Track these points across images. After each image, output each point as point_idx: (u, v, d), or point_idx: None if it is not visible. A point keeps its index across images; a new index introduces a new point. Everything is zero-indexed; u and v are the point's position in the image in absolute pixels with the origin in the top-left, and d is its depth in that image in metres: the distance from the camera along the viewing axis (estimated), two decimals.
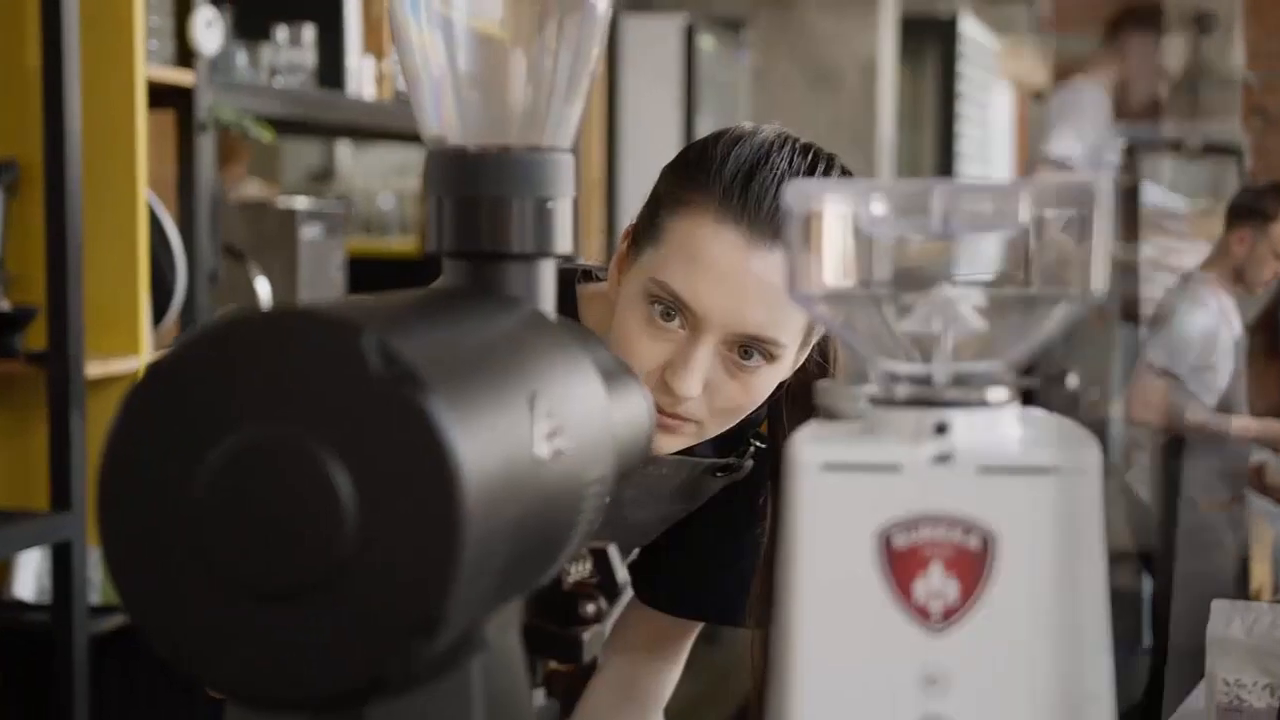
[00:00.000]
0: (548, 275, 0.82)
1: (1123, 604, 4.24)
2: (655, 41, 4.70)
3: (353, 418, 0.61)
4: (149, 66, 2.53)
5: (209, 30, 2.61)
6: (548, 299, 0.82)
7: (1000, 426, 0.70)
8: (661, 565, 1.48)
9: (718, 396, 1.25)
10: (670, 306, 1.24)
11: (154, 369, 0.63)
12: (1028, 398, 0.73)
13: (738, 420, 1.29)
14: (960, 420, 0.69)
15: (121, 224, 2.46)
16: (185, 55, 2.63)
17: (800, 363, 1.33)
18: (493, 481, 0.64)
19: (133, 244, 2.47)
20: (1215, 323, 4.03)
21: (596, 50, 0.84)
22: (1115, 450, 5.31)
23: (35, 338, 2.39)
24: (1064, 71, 10.03)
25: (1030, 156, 4.35)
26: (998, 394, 0.70)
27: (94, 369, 2.40)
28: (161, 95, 2.61)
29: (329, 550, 0.60)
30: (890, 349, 0.72)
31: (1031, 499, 0.67)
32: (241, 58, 2.90)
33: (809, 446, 0.69)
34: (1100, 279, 0.68)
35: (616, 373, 0.87)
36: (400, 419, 0.61)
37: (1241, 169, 9.95)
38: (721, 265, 1.22)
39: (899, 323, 0.71)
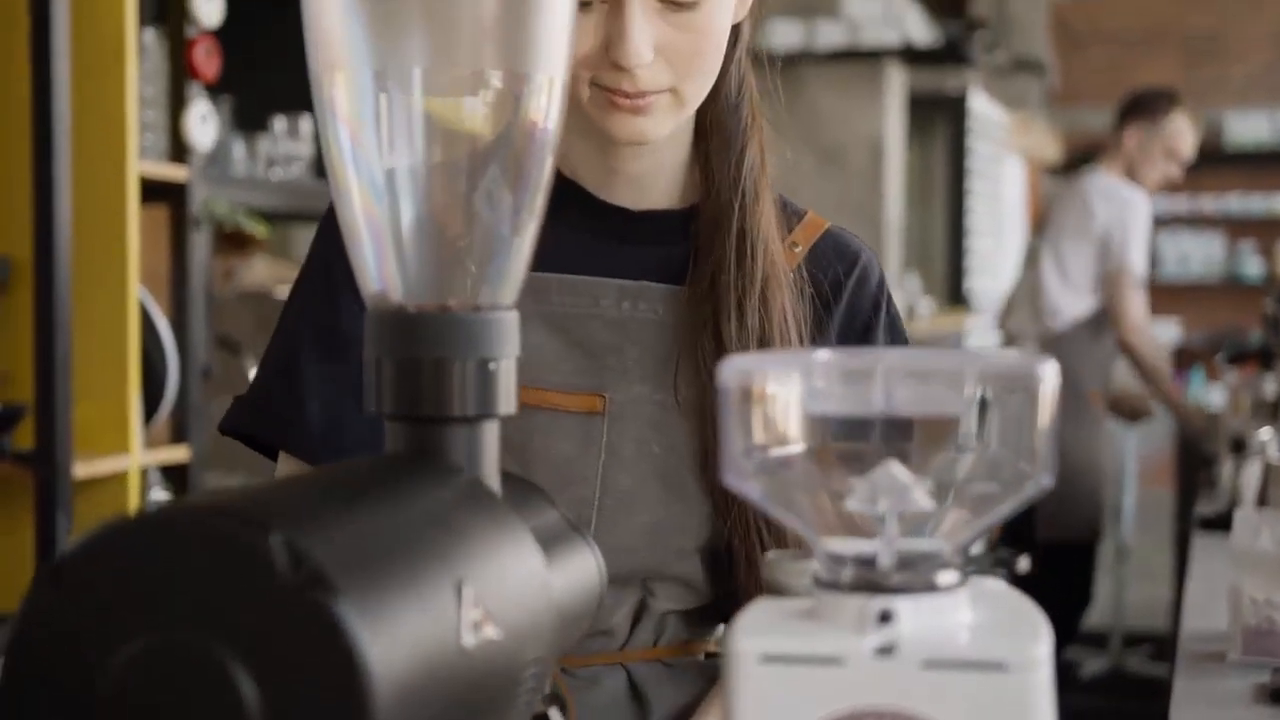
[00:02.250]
0: (491, 437, 0.80)
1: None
2: None
3: (259, 622, 0.58)
4: (142, 162, 2.52)
5: (203, 125, 2.61)
6: (490, 462, 0.80)
7: (948, 613, 0.67)
8: None
9: (674, 54, 1.14)
10: None
11: (55, 569, 0.60)
12: None
13: (713, 74, 1.18)
14: (906, 608, 0.66)
15: (112, 321, 2.45)
16: (180, 150, 2.63)
17: None
18: (411, 681, 0.61)
19: (123, 342, 2.46)
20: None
21: (540, 202, 0.82)
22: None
23: (23, 437, 2.37)
24: (1075, 145, 10.06)
25: (1102, 264, 4.35)
26: (946, 577, 0.67)
27: (82, 469, 2.38)
28: (156, 190, 2.61)
29: None
30: (833, 526, 0.69)
31: (979, 695, 0.64)
32: (239, 149, 2.90)
33: (748, 637, 0.66)
34: (1047, 466, 0.66)
35: (561, 535, 0.84)
36: (308, 624, 0.58)
37: (1044, 84, 9.98)
38: None
39: (842, 501, 0.69)
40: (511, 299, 0.81)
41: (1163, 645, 5.03)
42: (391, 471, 0.76)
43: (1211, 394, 8.85)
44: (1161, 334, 10.19)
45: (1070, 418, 4.19)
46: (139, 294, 2.49)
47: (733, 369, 0.68)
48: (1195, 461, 4.78)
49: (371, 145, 0.78)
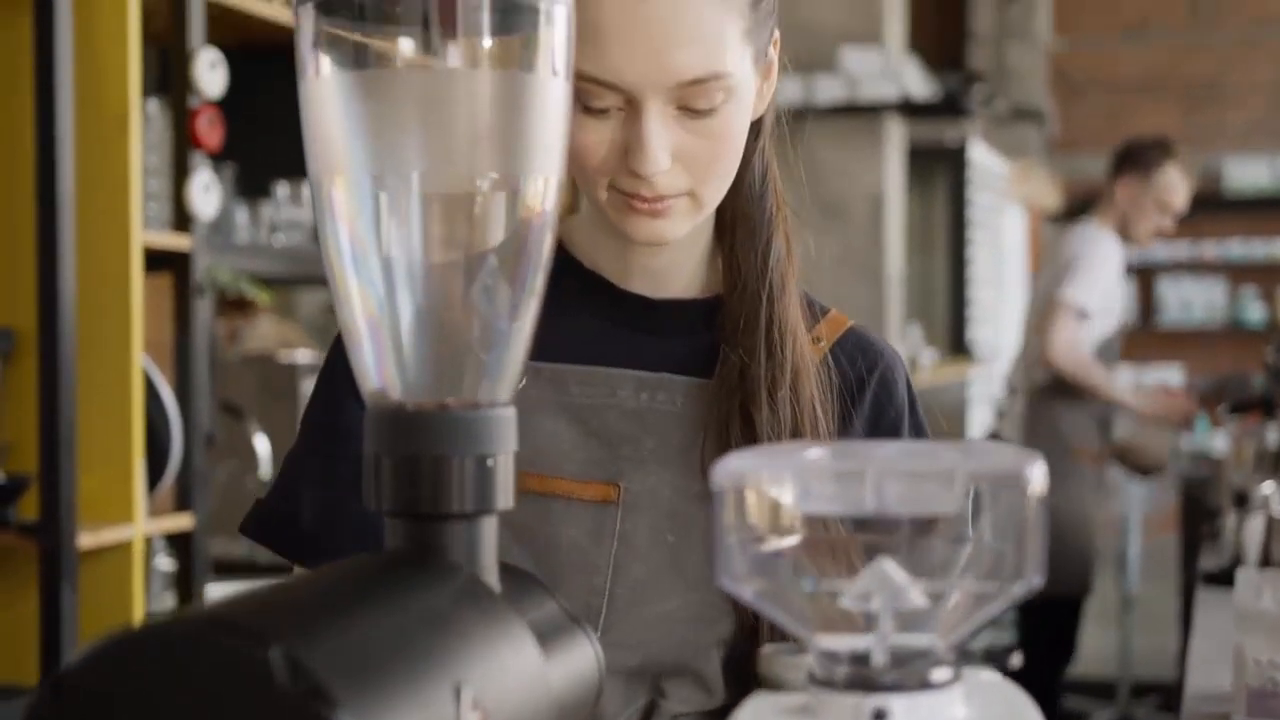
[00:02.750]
0: (489, 533, 0.81)
1: None
2: None
3: None
4: (146, 232, 2.54)
5: (206, 194, 2.63)
6: (489, 556, 0.80)
7: (943, 710, 0.67)
8: None
9: (691, 159, 1.12)
10: (592, 94, 1.10)
11: (56, 681, 0.61)
12: None
13: (731, 175, 1.16)
14: (900, 706, 0.67)
15: (116, 391, 2.46)
16: (183, 219, 2.65)
17: (768, 90, 1.21)
18: None
19: (127, 411, 2.47)
20: (1116, 267, 4.24)
21: (536, 299, 0.83)
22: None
23: (28, 507, 2.38)
24: (1075, 192, 10.11)
25: (1039, 294, 4.37)
26: (940, 674, 0.68)
27: (86, 539, 2.39)
28: (159, 259, 2.63)
29: None
30: (827, 623, 0.70)
31: None
32: (242, 215, 2.92)
33: None
34: (1036, 568, 0.66)
35: (559, 627, 0.85)
36: None
37: (1044, 132, 9.97)
38: (617, 24, 1.08)
39: (837, 598, 0.69)
40: (508, 395, 0.82)
41: (1170, 695, 5.02)
42: (390, 571, 0.76)
43: (1215, 440, 8.84)
44: (1164, 379, 10.21)
45: (1057, 473, 4.16)
46: (143, 363, 2.51)
47: (726, 470, 0.69)
48: (1199, 510, 4.77)
49: (370, 246, 0.80)
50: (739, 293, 1.21)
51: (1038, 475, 0.67)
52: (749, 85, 1.15)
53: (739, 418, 1.17)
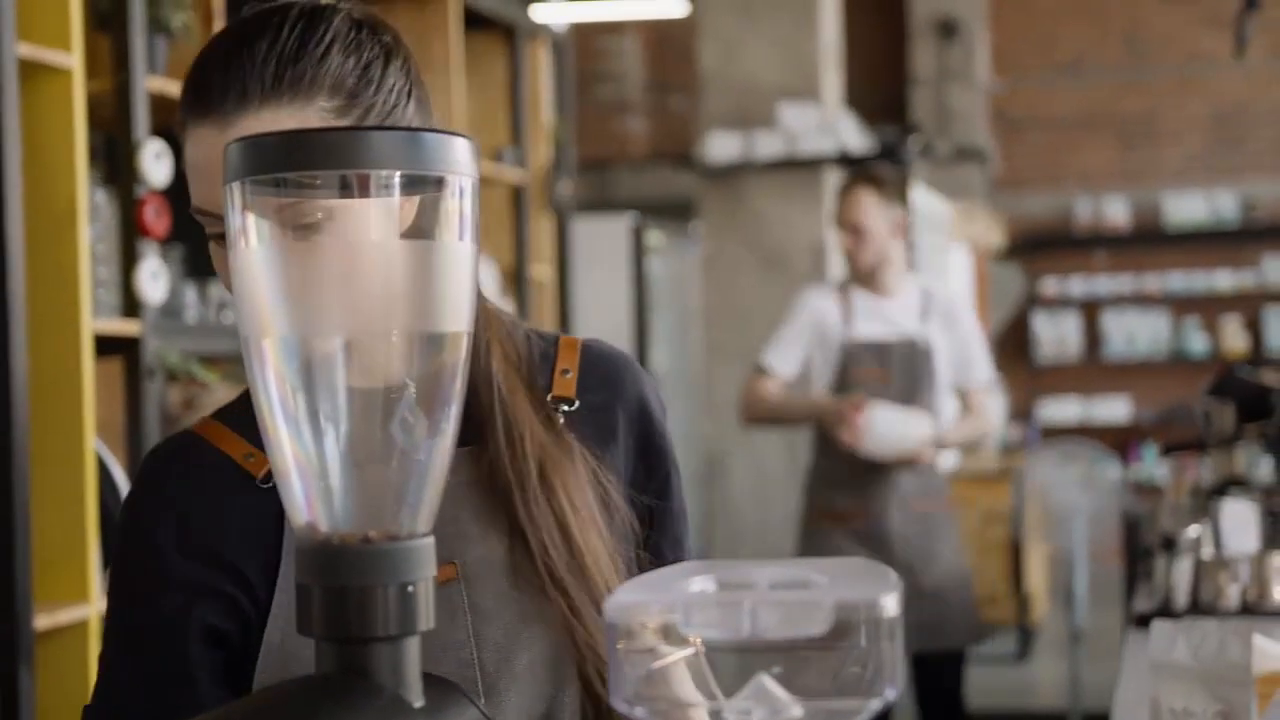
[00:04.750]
0: (412, 652, 0.88)
1: None
2: (605, 238, 4.82)
3: None
4: (96, 319, 2.61)
5: (154, 281, 2.70)
6: (413, 674, 0.88)
7: None
8: None
9: None
10: (209, 223, 1.19)
11: None
12: None
13: None
14: None
15: (69, 474, 2.52)
16: (132, 305, 2.72)
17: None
18: None
19: (80, 493, 2.53)
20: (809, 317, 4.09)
21: (450, 438, 0.91)
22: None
23: None
24: (1019, 230, 10.27)
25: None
26: None
27: (43, 620, 2.44)
28: (109, 344, 2.69)
29: None
30: None
31: None
32: (191, 295, 2.99)
33: None
34: (893, 679, 0.75)
35: None
36: None
37: (986, 171, 10.08)
38: (201, 160, 1.18)
39: (721, 714, 0.78)
40: (428, 525, 0.90)
41: None
42: (319, 694, 0.84)
43: (1159, 470, 8.98)
44: (1111, 411, 10.37)
45: (933, 534, 4.13)
46: (95, 445, 2.57)
47: (616, 606, 0.77)
48: (1140, 544, 4.85)
49: (297, 396, 0.88)
50: (474, 397, 1.25)
51: (890, 602, 0.75)
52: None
53: (509, 502, 1.23)
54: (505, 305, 4.24)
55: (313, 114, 1.18)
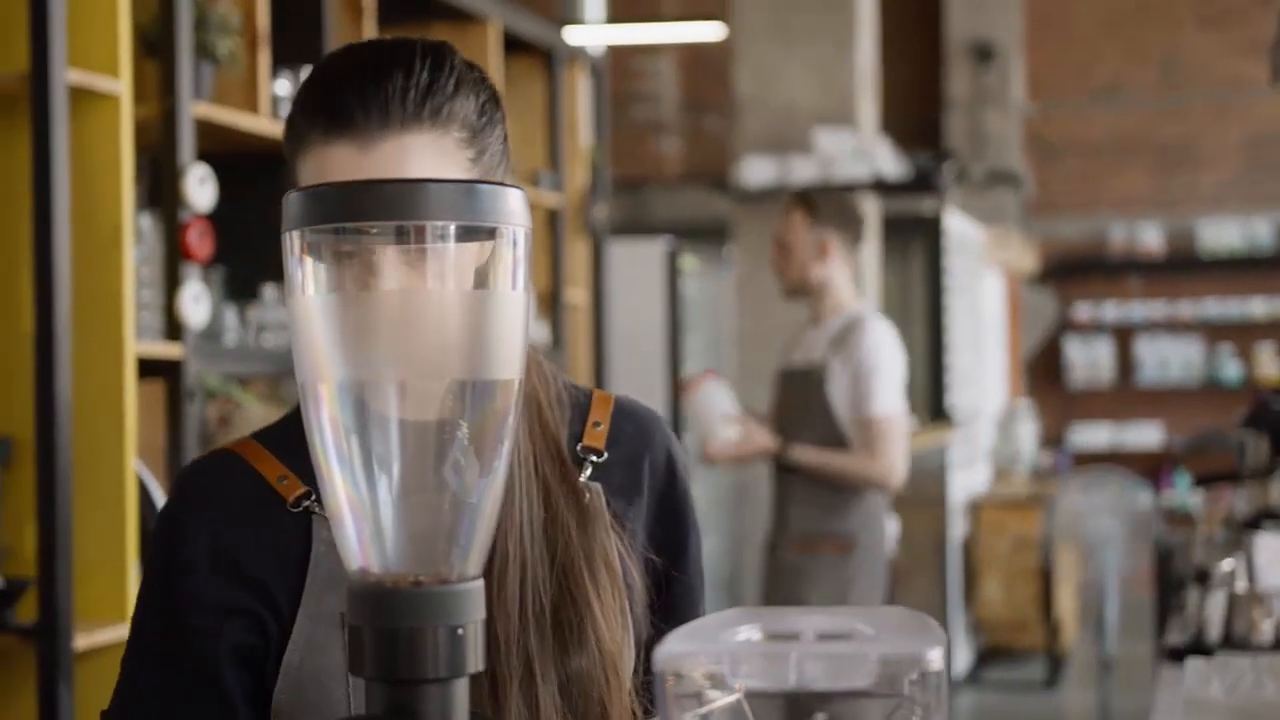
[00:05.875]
0: (461, 694, 0.90)
1: None
2: (640, 262, 4.84)
3: None
4: (139, 342, 2.64)
5: (196, 305, 2.73)
6: (461, 715, 0.90)
7: None
8: None
9: None
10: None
11: None
12: None
13: None
14: None
15: (111, 496, 2.55)
16: (174, 328, 2.75)
17: None
18: None
19: (121, 515, 2.56)
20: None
21: (500, 481, 0.93)
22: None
23: (26, 610, 2.46)
24: (1051, 254, 10.25)
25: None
26: None
27: (82, 640, 2.47)
28: (151, 366, 2.72)
29: None
30: None
31: None
32: (232, 318, 3.02)
33: None
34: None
35: None
36: None
37: (1020, 196, 9.99)
38: (340, 179, 1.17)
39: None
40: (478, 569, 0.92)
41: None
42: None
43: (1191, 498, 8.93)
44: (1143, 437, 10.33)
45: (803, 579, 3.92)
46: (136, 467, 2.60)
47: (665, 655, 0.78)
48: (1172, 574, 4.83)
49: (352, 441, 0.90)
50: None
51: (936, 656, 0.77)
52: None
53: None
54: (541, 330, 4.25)
55: (449, 144, 1.21)
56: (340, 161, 1.19)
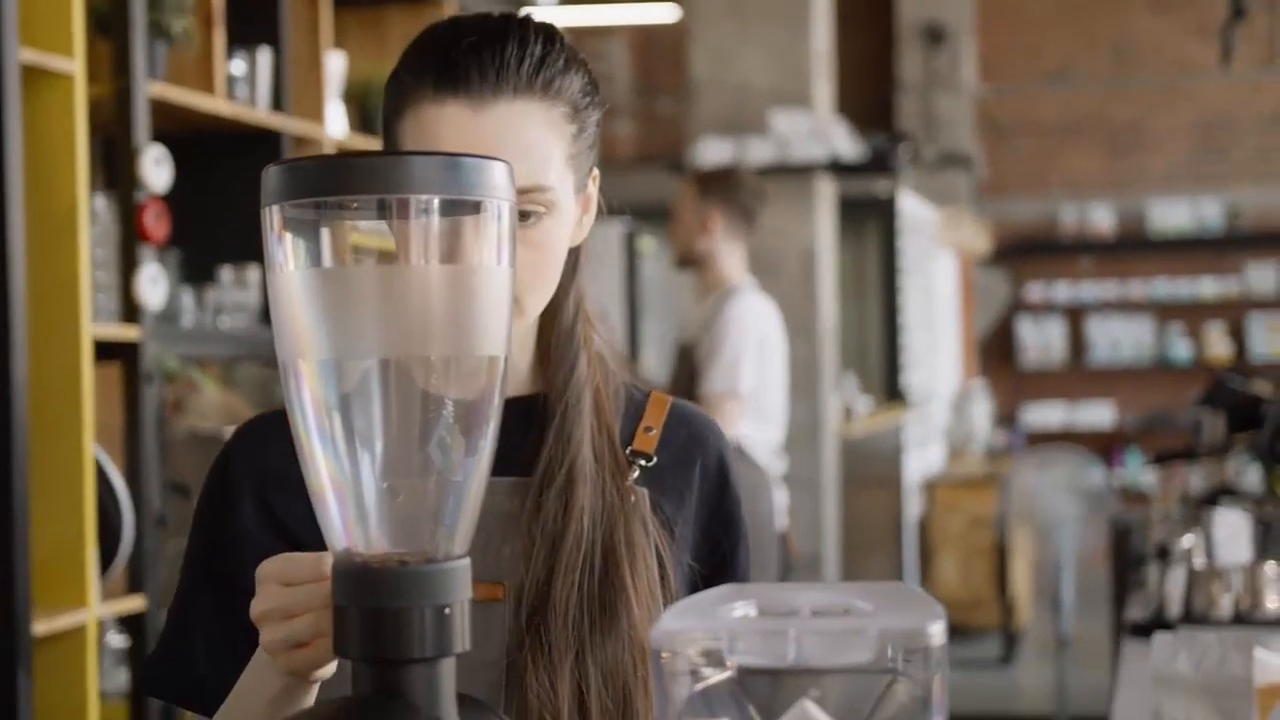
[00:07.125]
0: (448, 673, 0.89)
1: None
2: (597, 244, 4.81)
3: None
4: (95, 324, 2.60)
5: (153, 286, 2.70)
6: (448, 696, 0.89)
7: None
8: None
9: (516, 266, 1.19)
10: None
11: None
12: None
13: (552, 287, 1.24)
14: None
15: (69, 479, 2.52)
16: (131, 310, 2.71)
17: (587, 223, 1.28)
18: None
19: (79, 498, 2.52)
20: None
21: (486, 459, 0.91)
22: None
23: None
24: (1004, 235, 10.30)
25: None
26: None
27: (41, 626, 2.44)
28: (108, 349, 2.69)
29: None
30: None
31: None
32: (188, 300, 2.99)
33: None
34: (940, 713, 0.75)
35: None
36: None
37: (973, 177, 10.05)
38: (453, 137, 1.18)
39: None
40: (464, 548, 0.90)
41: None
42: (356, 716, 0.85)
43: (1145, 476, 9.00)
44: (1095, 417, 10.41)
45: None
46: (93, 450, 2.57)
47: (662, 632, 0.77)
48: (1129, 551, 4.85)
49: (334, 419, 0.88)
50: (542, 410, 1.28)
51: (937, 631, 0.76)
52: (569, 207, 1.24)
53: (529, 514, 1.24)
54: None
55: (557, 116, 1.21)
56: (452, 120, 1.18)
